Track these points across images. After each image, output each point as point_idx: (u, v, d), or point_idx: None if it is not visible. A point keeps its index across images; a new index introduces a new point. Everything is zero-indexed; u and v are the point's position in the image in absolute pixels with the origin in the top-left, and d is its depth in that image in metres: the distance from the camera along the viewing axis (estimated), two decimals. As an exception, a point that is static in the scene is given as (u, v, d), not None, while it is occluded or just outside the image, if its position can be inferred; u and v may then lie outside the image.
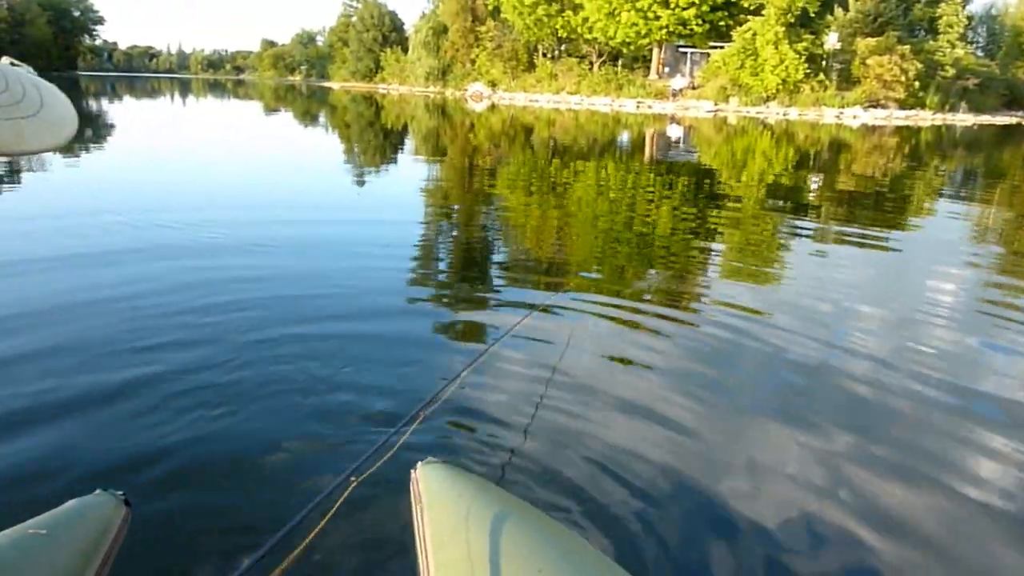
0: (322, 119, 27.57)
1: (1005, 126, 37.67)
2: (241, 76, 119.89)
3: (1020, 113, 45.84)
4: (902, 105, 38.21)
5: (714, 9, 40.50)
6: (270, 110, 32.60)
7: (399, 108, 35.22)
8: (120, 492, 1.57)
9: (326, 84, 70.98)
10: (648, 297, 4.92)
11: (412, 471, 1.64)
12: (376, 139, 19.49)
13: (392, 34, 64.80)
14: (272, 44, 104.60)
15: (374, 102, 40.18)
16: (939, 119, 38.29)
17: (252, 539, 1.82)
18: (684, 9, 39.83)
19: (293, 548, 1.42)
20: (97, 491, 1.55)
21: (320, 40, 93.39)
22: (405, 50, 60.57)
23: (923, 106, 39.17)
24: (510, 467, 2.54)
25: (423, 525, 1.47)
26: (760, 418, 3.05)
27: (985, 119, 40.23)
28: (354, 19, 69.02)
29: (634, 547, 2.14)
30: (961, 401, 3.32)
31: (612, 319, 4.33)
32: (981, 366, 3.86)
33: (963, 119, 39.33)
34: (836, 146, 22.25)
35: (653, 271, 5.55)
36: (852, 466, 2.67)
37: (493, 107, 38.67)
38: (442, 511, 1.48)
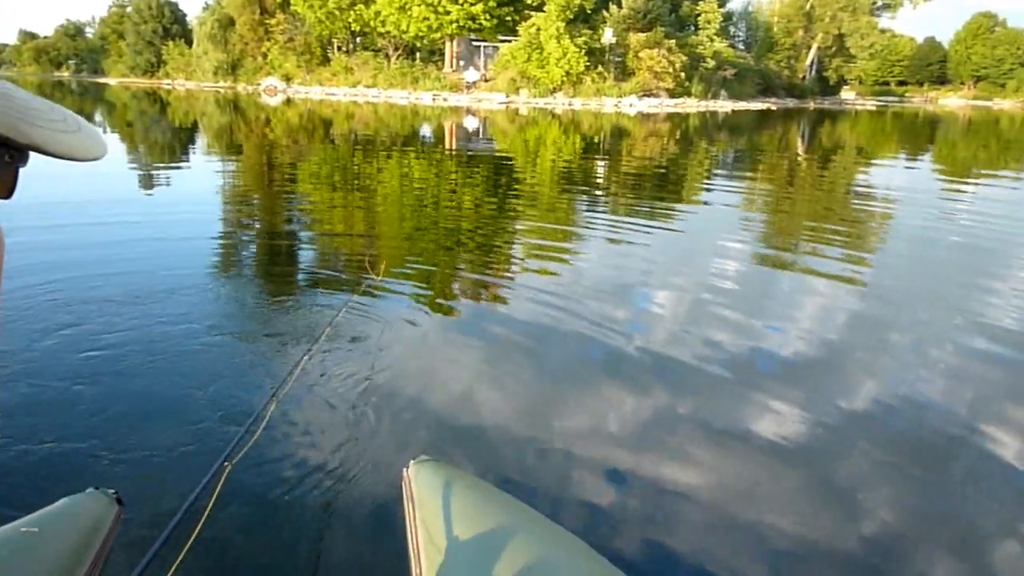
0: (99, 118, 25.81)
1: (760, 111, 42.67)
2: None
3: (772, 99, 51.95)
4: (671, 94, 42.09)
5: (501, 4, 42.22)
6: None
7: (187, 104, 33.60)
8: (112, 491, 1.55)
9: (101, 80, 65.28)
10: (460, 278, 5.40)
11: (404, 469, 1.63)
12: (163, 137, 18.82)
13: (174, 26, 60.73)
14: (33, 36, 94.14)
15: (158, 99, 37.88)
16: (703, 106, 42.57)
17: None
18: (472, 4, 41.20)
19: (189, 537, 1.49)
20: (89, 489, 1.54)
21: (90, 32, 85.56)
22: (189, 43, 57.22)
23: (689, 95, 43.36)
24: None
25: (415, 522, 1.48)
26: (576, 385, 3.45)
27: (742, 105, 45.22)
28: (129, 9, 63.98)
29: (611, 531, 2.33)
30: (746, 356, 3.90)
31: (426, 302, 4.70)
32: (763, 324, 4.48)
33: (723, 106, 43.99)
34: (618, 132, 24.35)
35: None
36: (654, 423, 3.11)
37: (289, 101, 37.90)
38: (434, 509, 1.48)
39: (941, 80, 75.72)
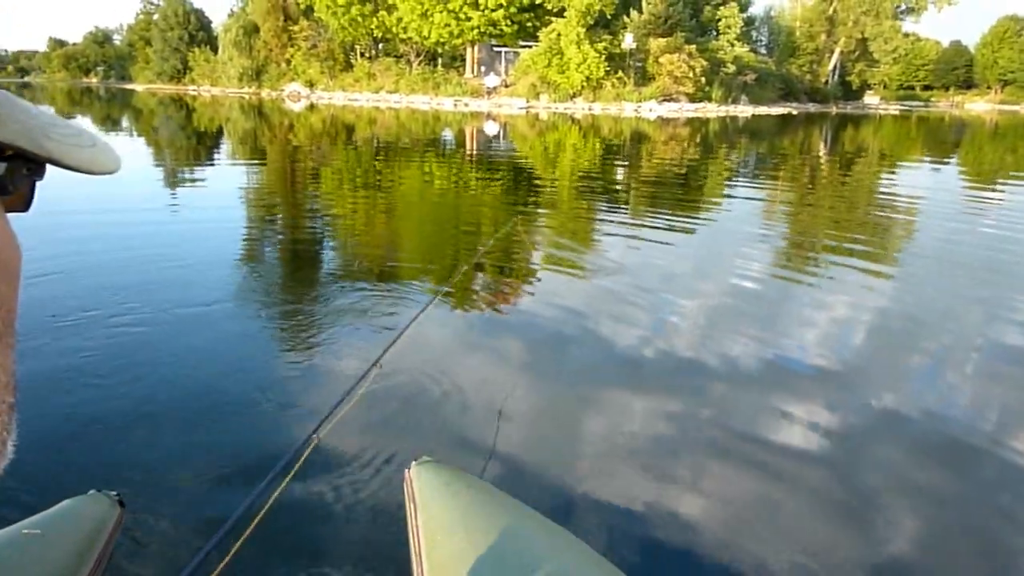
0: (126, 123, 26.23)
1: (781, 115, 42.47)
2: (26, 79, 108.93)
3: (793, 104, 51.70)
4: (691, 99, 42.02)
5: (521, 11, 42.44)
6: (64, 116, 30.45)
7: (212, 110, 34.03)
8: (114, 492, 1.54)
9: (129, 86, 66.36)
10: (475, 277, 5.44)
11: (406, 470, 1.61)
12: (189, 143, 19.09)
13: (199, 33, 61.64)
14: (62, 43, 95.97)
15: (184, 104, 38.42)
16: (723, 111, 42.47)
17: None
18: (493, 11, 41.45)
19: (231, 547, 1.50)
20: (91, 491, 1.53)
21: (118, 39, 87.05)
22: (215, 50, 57.99)
23: (709, 99, 43.29)
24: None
25: (416, 524, 1.46)
26: (586, 388, 3.42)
27: (763, 110, 45.07)
28: (156, 17, 65.00)
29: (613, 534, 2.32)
30: (770, 359, 3.89)
31: (439, 301, 4.64)
32: (786, 331, 4.46)
33: (743, 110, 43.85)
34: (638, 137, 24.31)
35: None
36: (665, 427, 3.10)
37: (312, 107, 38.30)
38: (436, 510, 1.47)
39: (967, 84, 74.80)
